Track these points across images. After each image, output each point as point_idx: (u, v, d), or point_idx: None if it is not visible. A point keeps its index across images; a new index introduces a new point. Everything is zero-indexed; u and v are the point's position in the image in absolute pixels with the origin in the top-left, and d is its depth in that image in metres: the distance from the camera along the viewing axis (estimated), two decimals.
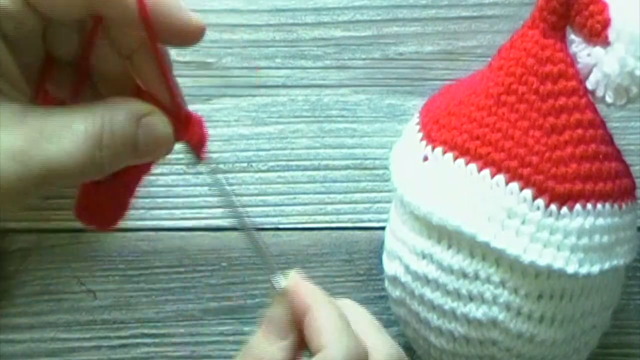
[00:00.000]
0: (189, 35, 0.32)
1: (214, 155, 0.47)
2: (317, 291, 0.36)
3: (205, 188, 0.53)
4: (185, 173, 0.53)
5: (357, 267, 0.53)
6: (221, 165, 0.53)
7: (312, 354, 0.34)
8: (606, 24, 0.40)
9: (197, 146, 0.35)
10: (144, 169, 0.36)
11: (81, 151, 0.30)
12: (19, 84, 0.31)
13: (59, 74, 0.34)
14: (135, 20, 0.31)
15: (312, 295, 0.35)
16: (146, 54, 0.33)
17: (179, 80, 0.34)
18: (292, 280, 0.36)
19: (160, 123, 0.33)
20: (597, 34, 0.41)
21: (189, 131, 0.34)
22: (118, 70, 0.34)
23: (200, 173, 0.35)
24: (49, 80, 0.34)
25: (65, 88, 0.34)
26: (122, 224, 0.36)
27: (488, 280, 0.41)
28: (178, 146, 0.34)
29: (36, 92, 0.33)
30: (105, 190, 0.35)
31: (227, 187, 0.35)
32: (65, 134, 0.30)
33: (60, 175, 0.30)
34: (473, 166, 0.41)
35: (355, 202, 0.53)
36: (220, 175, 0.35)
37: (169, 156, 0.37)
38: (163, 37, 0.32)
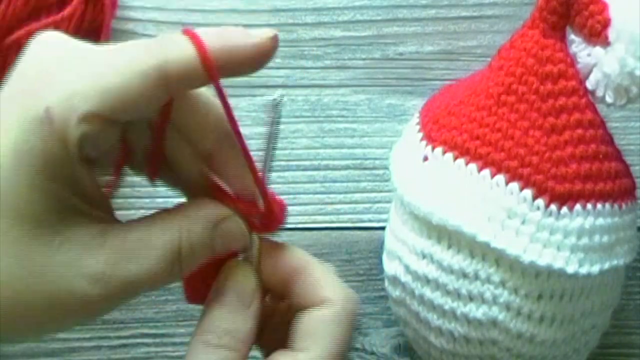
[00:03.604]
0: (264, 57, 0.32)
1: None
2: (303, 251, 0.36)
3: None
4: None
5: (357, 267, 0.53)
6: None
7: (303, 305, 0.34)
8: (606, 24, 0.40)
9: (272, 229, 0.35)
10: None
11: (161, 267, 0.31)
12: (98, 199, 0.32)
13: (136, 164, 0.35)
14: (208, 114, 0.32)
15: (304, 256, 0.35)
16: (228, 150, 0.34)
17: None
18: (270, 243, 0.35)
19: (236, 226, 0.33)
20: (597, 34, 0.41)
21: (273, 224, 0.35)
22: (194, 169, 0.35)
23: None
24: (129, 169, 0.35)
25: (142, 174, 0.35)
26: None
27: (488, 280, 0.41)
28: None
29: (112, 184, 0.34)
30: (202, 272, 0.35)
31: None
32: (145, 253, 0.31)
33: (140, 289, 0.31)
34: (473, 166, 0.41)
35: (355, 202, 0.53)
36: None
37: None
38: (238, 70, 0.32)
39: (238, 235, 0.34)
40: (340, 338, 0.34)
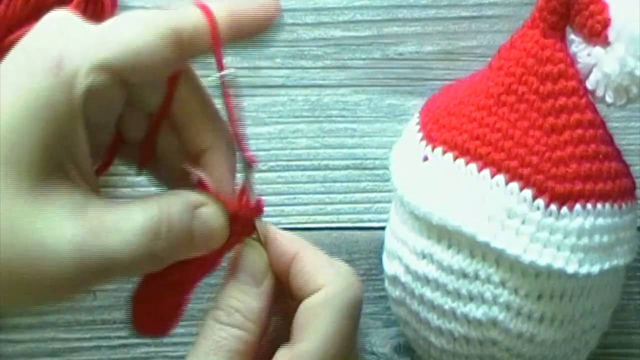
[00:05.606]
0: (268, 24, 0.34)
1: None
2: (298, 238, 0.35)
3: None
4: None
5: (357, 267, 0.53)
6: None
7: (301, 298, 0.34)
8: (606, 24, 0.40)
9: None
10: (198, 272, 0.36)
11: (140, 243, 0.31)
12: (87, 169, 0.32)
13: (126, 154, 0.35)
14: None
15: (296, 242, 0.35)
16: (216, 152, 0.34)
17: None
18: (268, 230, 0.35)
19: (214, 214, 0.33)
20: (597, 34, 0.41)
21: (246, 226, 0.35)
22: (179, 163, 0.35)
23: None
24: (117, 158, 0.35)
25: (130, 163, 0.36)
26: None
27: (488, 280, 0.41)
28: None
29: (103, 168, 0.35)
30: (159, 296, 0.35)
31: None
32: (125, 227, 0.30)
33: (118, 266, 0.30)
34: (473, 166, 0.41)
35: (355, 202, 0.53)
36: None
37: None
38: (242, 37, 0.34)
39: (216, 224, 0.33)
40: (337, 323, 0.33)
